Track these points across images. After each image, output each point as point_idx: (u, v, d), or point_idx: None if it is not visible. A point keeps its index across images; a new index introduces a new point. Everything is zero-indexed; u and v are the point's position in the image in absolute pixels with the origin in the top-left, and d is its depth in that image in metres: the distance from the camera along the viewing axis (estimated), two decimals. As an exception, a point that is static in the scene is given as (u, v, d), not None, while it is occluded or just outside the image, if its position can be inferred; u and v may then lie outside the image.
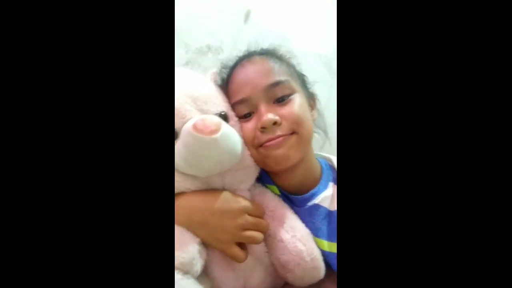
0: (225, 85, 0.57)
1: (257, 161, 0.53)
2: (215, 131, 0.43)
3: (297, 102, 0.53)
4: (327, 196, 0.56)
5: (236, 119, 0.53)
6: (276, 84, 0.52)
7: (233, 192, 0.52)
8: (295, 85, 0.55)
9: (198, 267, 0.46)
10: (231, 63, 0.59)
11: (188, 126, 0.45)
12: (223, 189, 0.51)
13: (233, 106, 0.54)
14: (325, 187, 0.57)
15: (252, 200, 0.53)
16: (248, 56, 0.58)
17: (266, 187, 0.58)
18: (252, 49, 0.60)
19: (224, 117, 0.51)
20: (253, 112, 0.52)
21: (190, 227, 0.46)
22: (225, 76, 0.58)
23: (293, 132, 0.51)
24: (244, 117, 0.53)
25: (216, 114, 0.50)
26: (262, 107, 0.51)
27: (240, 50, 0.61)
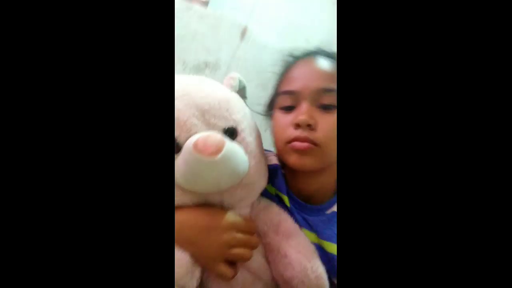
0: (282, 73, 0.57)
1: (279, 154, 0.55)
2: (216, 152, 0.42)
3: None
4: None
5: (245, 133, 0.50)
6: (328, 91, 0.51)
7: (231, 208, 0.50)
8: None
9: (193, 281, 0.45)
10: (299, 54, 0.59)
11: (189, 143, 0.44)
12: (220, 206, 0.50)
13: (279, 94, 0.55)
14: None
15: (244, 216, 0.52)
16: (317, 54, 0.57)
17: (277, 196, 0.58)
18: (324, 48, 0.59)
19: (232, 132, 0.49)
20: (295, 107, 0.53)
21: (180, 244, 0.45)
22: (290, 62, 0.59)
23: (319, 145, 0.50)
24: (284, 109, 0.54)
25: (223, 129, 0.48)
26: (304, 105, 0.51)
27: (237, 66, 0.62)
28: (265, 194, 0.58)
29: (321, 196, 0.57)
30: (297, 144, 0.50)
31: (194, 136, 0.45)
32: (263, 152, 0.55)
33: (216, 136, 0.44)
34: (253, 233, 0.51)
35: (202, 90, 0.50)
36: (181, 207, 0.48)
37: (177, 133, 0.46)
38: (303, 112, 0.50)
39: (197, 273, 0.46)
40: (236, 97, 0.54)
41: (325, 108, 0.51)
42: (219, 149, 0.43)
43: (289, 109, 0.53)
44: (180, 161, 0.45)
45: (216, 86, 0.53)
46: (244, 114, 0.52)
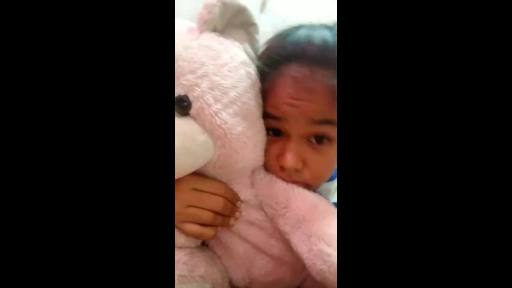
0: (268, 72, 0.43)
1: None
2: None
3: (333, 153, 0.44)
4: (334, 187, 0.52)
5: (204, 102, 0.38)
6: (327, 122, 0.42)
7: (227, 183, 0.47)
8: None
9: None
10: (289, 48, 0.43)
11: None
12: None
13: (264, 114, 0.44)
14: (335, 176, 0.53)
15: (215, 180, 0.45)
16: (316, 58, 0.41)
17: None
18: (328, 40, 0.42)
19: (182, 101, 0.38)
20: (282, 133, 0.45)
21: None
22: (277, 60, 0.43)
23: (308, 184, 0.46)
24: (270, 130, 0.45)
25: (176, 100, 0.38)
26: (293, 143, 0.43)
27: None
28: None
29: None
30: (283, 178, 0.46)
31: None
32: (254, 116, 0.43)
33: None
34: (219, 196, 0.45)
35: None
36: None
37: None
38: (290, 151, 0.43)
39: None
40: (196, 45, 0.39)
41: (318, 141, 0.44)
42: None
43: (275, 132, 0.45)
44: None
45: (175, 34, 0.37)
46: (205, 72, 0.38)
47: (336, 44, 0.40)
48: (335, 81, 0.39)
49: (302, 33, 0.44)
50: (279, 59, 0.43)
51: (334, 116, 0.40)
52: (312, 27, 0.46)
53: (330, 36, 0.43)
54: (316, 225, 0.42)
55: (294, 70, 0.41)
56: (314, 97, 0.41)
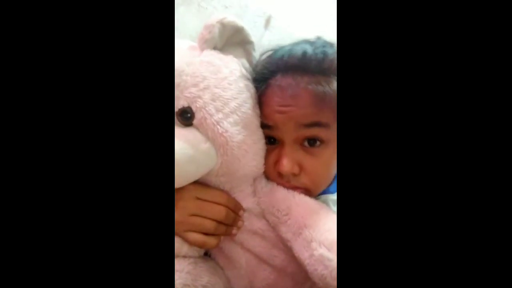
0: (260, 85, 0.46)
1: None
2: None
3: (327, 155, 0.46)
4: (332, 200, 0.53)
5: (206, 112, 0.41)
6: (316, 124, 0.44)
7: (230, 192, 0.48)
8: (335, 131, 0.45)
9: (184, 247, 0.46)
10: (275, 59, 0.47)
11: None
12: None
13: (262, 124, 0.47)
14: (334, 190, 0.54)
15: (217, 189, 0.47)
16: (298, 67, 0.45)
17: None
18: (307, 51, 0.45)
19: (185, 112, 0.41)
20: (276, 140, 0.47)
21: None
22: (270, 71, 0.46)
23: (308, 189, 0.48)
24: (268, 140, 0.48)
25: (177, 112, 0.41)
26: (287, 148, 0.45)
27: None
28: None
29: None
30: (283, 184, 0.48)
31: None
32: (253, 126, 0.45)
33: None
34: (222, 205, 0.46)
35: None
36: None
37: None
38: (285, 156, 0.45)
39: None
40: (197, 62, 0.42)
41: (311, 143, 0.46)
42: None
43: (271, 141, 0.48)
44: None
45: (178, 52, 0.41)
46: (207, 85, 0.41)
47: (316, 54, 0.45)
48: (317, 86, 0.43)
49: (285, 48, 0.48)
50: (267, 73, 0.46)
51: (321, 118, 0.44)
52: (294, 43, 0.49)
53: (310, 48, 0.46)
54: (317, 230, 0.42)
55: (279, 80, 0.45)
56: (299, 102, 0.43)
